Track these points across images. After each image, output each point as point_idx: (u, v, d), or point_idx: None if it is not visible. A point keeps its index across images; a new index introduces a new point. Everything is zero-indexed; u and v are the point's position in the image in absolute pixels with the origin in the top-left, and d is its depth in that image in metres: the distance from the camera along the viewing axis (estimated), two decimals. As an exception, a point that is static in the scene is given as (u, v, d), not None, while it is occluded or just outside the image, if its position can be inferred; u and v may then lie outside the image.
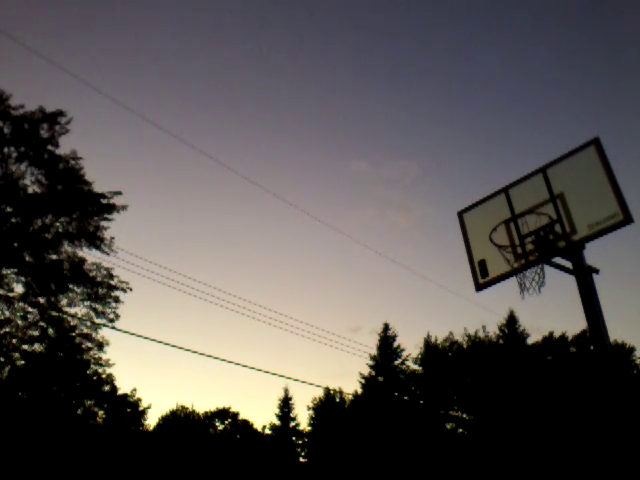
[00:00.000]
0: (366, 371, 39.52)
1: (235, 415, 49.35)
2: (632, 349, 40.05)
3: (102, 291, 22.17)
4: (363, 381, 39.42)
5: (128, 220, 25.31)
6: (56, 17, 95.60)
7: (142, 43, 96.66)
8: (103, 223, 22.21)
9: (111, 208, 22.27)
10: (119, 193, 22.41)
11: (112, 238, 22.07)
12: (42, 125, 21.26)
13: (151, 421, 51.58)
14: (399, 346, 40.02)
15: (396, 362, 39.53)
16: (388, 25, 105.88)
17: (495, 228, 6.80)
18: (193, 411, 46.79)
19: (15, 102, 20.66)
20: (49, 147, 21.39)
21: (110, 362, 23.19)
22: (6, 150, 20.63)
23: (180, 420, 44.75)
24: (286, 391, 44.78)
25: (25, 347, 21.16)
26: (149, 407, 37.66)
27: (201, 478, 36.21)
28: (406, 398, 38.53)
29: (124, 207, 22.48)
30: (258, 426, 47.65)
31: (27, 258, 21.22)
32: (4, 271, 20.69)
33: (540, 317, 76.49)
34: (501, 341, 38.21)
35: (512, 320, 38.54)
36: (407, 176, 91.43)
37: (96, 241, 21.91)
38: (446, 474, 32.90)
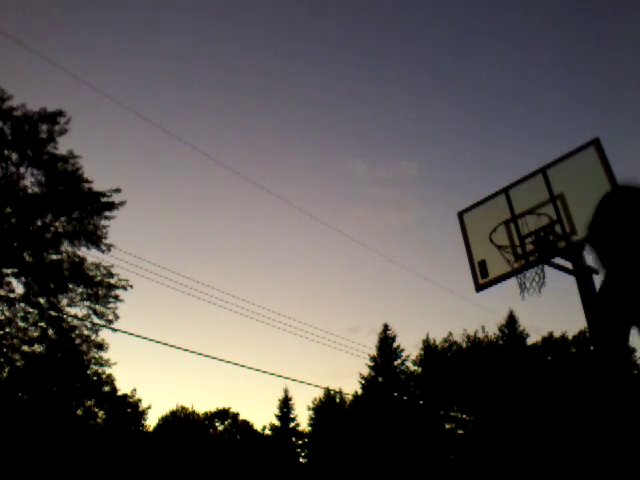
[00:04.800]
0: (366, 371, 39.56)
1: (235, 415, 49.30)
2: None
3: (102, 291, 22.14)
4: (363, 381, 39.43)
5: (128, 221, 25.44)
6: (56, 17, 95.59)
7: (142, 43, 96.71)
8: (103, 222, 22.23)
9: (111, 206, 22.26)
10: (118, 190, 22.43)
11: (107, 230, 22.08)
12: (42, 125, 21.25)
13: (151, 421, 51.59)
14: (399, 346, 40.03)
15: (396, 362, 39.54)
16: (387, 25, 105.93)
17: (495, 228, 6.80)
18: (193, 411, 46.78)
19: (15, 102, 20.68)
20: (49, 147, 21.40)
21: (111, 362, 23.15)
22: (6, 152, 20.62)
23: (180, 420, 44.72)
24: (286, 391, 44.78)
25: (25, 348, 21.13)
26: (149, 407, 37.68)
27: (201, 478, 36.21)
28: (406, 398, 38.52)
29: (122, 203, 22.49)
30: (258, 426, 47.66)
31: (27, 258, 21.19)
32: (4, 271, 20.67)
33: (540, 317, 76.43)
34: (501, 341, 38.19)
35: (512, 320, 38.51)
36: (405, 175, 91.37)
37: (95, 240, 21.89)
38: (446, 474, 32.91)
